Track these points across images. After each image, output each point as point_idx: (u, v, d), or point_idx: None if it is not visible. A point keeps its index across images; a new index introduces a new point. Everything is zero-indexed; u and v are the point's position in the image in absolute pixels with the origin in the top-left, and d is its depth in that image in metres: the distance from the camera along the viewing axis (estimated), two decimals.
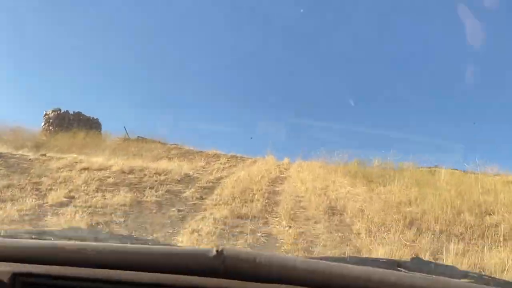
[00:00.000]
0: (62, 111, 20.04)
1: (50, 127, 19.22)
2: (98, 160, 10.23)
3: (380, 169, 12.43)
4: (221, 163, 13.62)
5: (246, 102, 25.27)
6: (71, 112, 20.17)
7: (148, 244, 1.46)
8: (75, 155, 10.71)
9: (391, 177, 11.73)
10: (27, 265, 1.11)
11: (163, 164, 10.78)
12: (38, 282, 1.11)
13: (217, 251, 1.07)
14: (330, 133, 16.19)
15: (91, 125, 19.97)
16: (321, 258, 1.39)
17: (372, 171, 12.18)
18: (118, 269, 1.10)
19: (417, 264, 1.40)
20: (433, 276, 1.14)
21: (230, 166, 13.34)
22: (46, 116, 19.73)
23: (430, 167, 14.71)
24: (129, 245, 1.25)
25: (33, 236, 1.38)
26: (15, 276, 1.09)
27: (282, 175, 11.65)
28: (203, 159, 14.22)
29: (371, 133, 16.60)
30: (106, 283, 1.10)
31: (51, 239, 1.33)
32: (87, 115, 20.40)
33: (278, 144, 17.03)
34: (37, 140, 15.38)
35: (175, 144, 19.05)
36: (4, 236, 1.33)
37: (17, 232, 1.57)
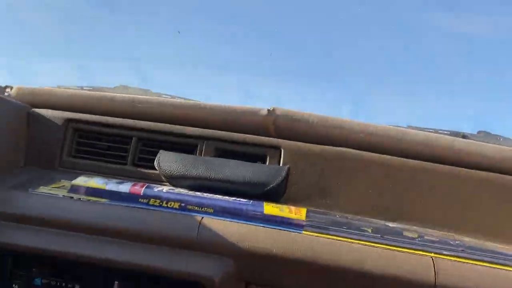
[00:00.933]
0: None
1: None
2: None
3: None
4: None
5: None
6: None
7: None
8: None
9: None
10: (79, 114, 1.22)
11: None
12: (87, 129, 1.22)
13: (268, 110, 1.15)
14: None
15: None
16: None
17: None
18: (167, 123, 1.17)
19: (484, 137, 1.37)
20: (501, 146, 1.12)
21: None
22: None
23: None
24: (179, 100, 1.27)
25: (85, 88, 1.46)
26: (68, 121, 1.21)
27: None
28: None
29: None
30: (154, 133, 1.17)
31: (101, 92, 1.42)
32: None
33: None
34: None
35: None
36: (59, 87, 1.41)
37: (71, 85, 1.59)
